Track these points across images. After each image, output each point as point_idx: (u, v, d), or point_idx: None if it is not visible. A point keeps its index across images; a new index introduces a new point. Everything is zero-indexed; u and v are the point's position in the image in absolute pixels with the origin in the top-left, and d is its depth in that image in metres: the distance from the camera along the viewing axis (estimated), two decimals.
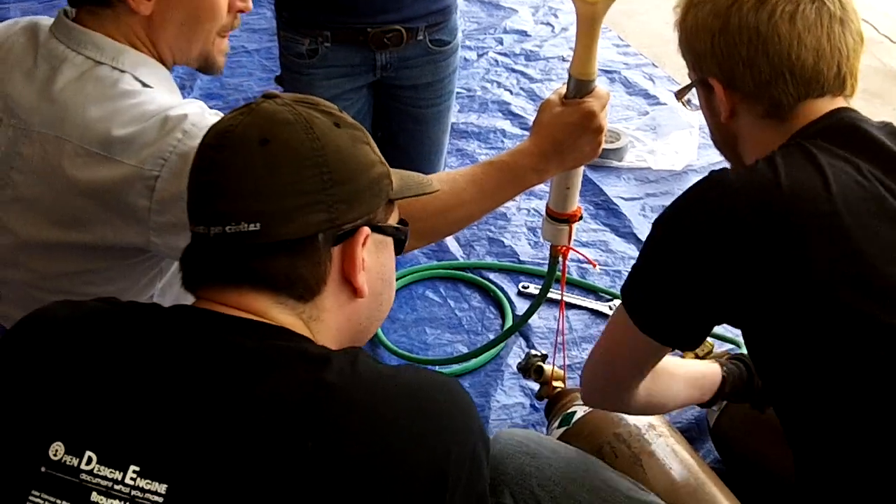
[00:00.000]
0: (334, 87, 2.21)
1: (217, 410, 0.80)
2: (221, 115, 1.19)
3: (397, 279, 2.13)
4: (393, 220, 0.98)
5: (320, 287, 0.89)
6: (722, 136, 1.25)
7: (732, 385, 1.44)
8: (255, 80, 3.12)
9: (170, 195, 1.14)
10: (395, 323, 2.09)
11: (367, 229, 0.91)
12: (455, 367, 1.94)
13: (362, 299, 0.93)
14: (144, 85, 1.22)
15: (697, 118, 2.84)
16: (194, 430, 0.79)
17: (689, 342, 1.15)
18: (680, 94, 1.27)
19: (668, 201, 2.49)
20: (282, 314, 0.88)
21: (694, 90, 1.25)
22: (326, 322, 0.91)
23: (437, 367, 1.95)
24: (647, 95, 3.07)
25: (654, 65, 3.26)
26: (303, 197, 0.87)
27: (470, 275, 2.23)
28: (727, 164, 2.77)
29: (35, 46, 1.25)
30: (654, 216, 2.42)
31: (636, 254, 2.30)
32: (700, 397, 1.41)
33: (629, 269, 2.32)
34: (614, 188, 2.58)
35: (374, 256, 0.94)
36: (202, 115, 1.18)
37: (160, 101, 1.18)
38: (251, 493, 0.76)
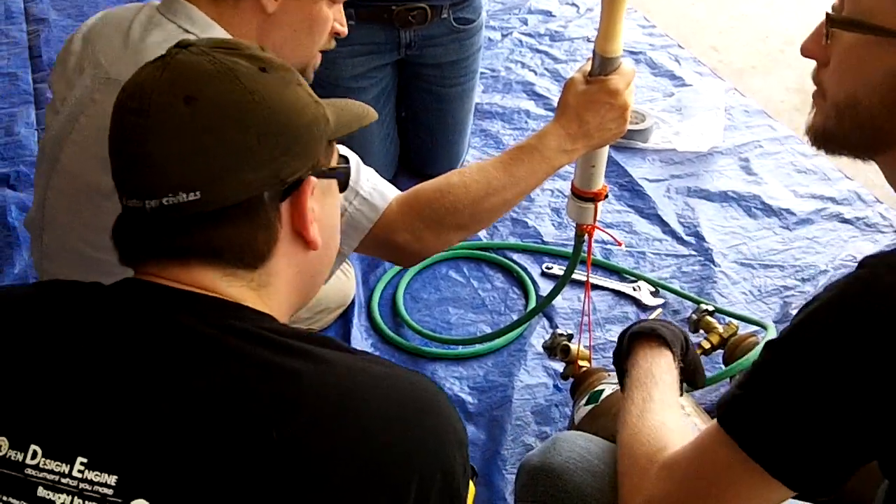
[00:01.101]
0: (358, 66, 2.21)
1: (170, 397, 0.74)
2: None
3: None
4: (333, 161, 0.92)
5: (271, 249, 0.84)
6: (878, 119, 0.91)
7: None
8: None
9: None
10: (419, 303, 2.10)
11: (313, 178, 0.86)
12: (478, 347, 1.95)
13: (314, 251, 0.88)
14: None
15: (723, 100, 2.82)
16: (146, 418, 0.73)
17: (831, 490, 0.88)
18: (837, 24, 0.91)
19: (693, 183, 2.53)
20: (231, 287, 0.83)
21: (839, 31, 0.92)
22: (276, 285, 0.86)
23: (460, 347, 1.96)
24: (672, 77, 3.04)
25: (679, 46, 3.23)
26: (240, 156, 0.80)
27: (493, 255, 2.23)
28: (754, 146, 2.74)
29: (136, 15, 1.30)
30: (679, 198, 2.44)
31: (660, 235, 2.33)
32: None
33: (653, 251, 2.32)
34: (639, 169, 2.56)
35: (321, 203, 0.89)
36: None
37: None
38: (209, 484, 0.71)
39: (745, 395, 0.89)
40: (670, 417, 1.09)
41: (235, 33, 1.29)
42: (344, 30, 1.42)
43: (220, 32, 1.26)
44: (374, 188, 1.23)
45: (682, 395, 1.24)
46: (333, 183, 0.92)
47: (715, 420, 0.91)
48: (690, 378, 1.31)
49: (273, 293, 0.86)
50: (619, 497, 1.02)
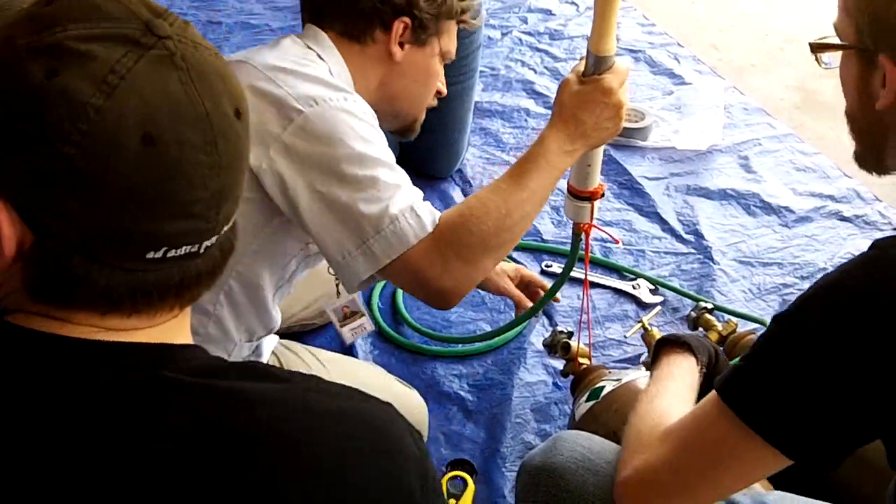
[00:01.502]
0: None
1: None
2: (374, 126, 1.27)
3: None
4: None
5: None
6: (868, 120, 0.98)
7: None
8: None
9: (303, 134, 1.20)
10: (418, 301, 2.09)
11: None
12: (478, 345, 1.95)
13: None
14: (330, 72, 1.31)
15: (722, 98, 2.82)
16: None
17: (831, 462, 0.90)
18: (819, 48, 1.00)
19: (692, 181, 2.53)
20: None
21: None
22: None
23: (460, 345, 1.96)
24: (672, 75, 3.05)
25: (679, 44, 3.24)
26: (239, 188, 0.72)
27: None
28: (753, 144, 2.75)
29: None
30: (678, 196, 2.45)
31: (659, 233, 2.33)
32: None
33: (653, 249, 2.33)
34: (638, 168, 2.57)
35: None
36: (366, 106, 1.28)
37: (332, 81, 1.28)
38: None
39: (748, 367, 0.91)
40: (678, 407, 1.10)
41: (359, 75, 1.37)
42: (444, 90, 1.51)
43: (340, 60, 1.35)
44: (425, 208, 1.22)
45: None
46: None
47: (714, 391, 0.93)
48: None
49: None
50: (618, 464, 1.04)
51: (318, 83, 1.25)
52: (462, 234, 1.21)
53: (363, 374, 1.65)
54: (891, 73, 0.90)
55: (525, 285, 1.87)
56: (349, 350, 1.92)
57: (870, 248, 0.87)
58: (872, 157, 1.02)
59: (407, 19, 1.37)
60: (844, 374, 0.84)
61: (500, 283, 1.82)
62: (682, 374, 1.24)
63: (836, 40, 0.97)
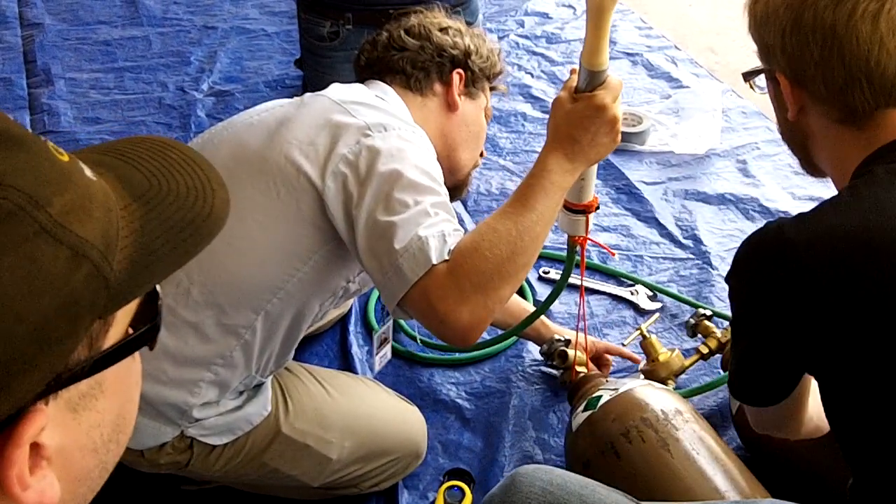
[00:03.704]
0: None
1: None
2: (433, 159, 1.34)
3: None
4: (120, 327, 0.54)
5: None
6: (789, 131, 1.16)
7: None
8: (274, 64, 3.12)
9: (365, 159, 1.26)
10: None
11: (41, 408, 0.49)
12: (475, 353, 1.94)
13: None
14: (393, 116, 1.38)
15: (720, 101, 2.81)
16: None
17: (776, 398, 1.11)
18: (747, 77, 1.19)
19: (690, 186, 2.52)
20: None
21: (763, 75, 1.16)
22: None
23: (457, 353, 1.95)
24: (669, 78, 3.03)
25: (676, 47, 3.23)
26: None
27: None
28: (751, 148, 2.73)
29: None
30: (676, 201, 2.43)
31: (658, 238, 2.32)
32: None
33: (651, 255, 2.31)
34: (636, 172, 2.55)
35: (71, 425, 0.52)
36: (428, 142, 1.37)
37: (393, 121, 1.35)
38: None
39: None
40: None
41: (422, 125, 1.42)
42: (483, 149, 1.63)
43: (404, 107, 1.46)
44: (451, 232, 1.21)
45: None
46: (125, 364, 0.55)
47: None
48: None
49: None
50: None
51: (389, 115, 1.35)
52: (477, 261, 1.18)
53: (364, 395, 1.63)
54: (785, 88, 1.06)
55: (597, 358, 1.86)
56: (346, 357, 1.91)
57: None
58: (807, 163, 1.17)
59: (462, 71, 1.54)
60: (763, 324, 1.03)
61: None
62: None
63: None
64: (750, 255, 1.04)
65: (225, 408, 1.41)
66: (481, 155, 1.62)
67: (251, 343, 1.36)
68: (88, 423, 0.53)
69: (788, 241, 0.99)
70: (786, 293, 0.98)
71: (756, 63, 1.16)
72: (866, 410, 1.00)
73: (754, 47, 1.14)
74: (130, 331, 0.54)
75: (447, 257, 1.19)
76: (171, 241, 0.54)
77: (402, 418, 1.62)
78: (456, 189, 1.58)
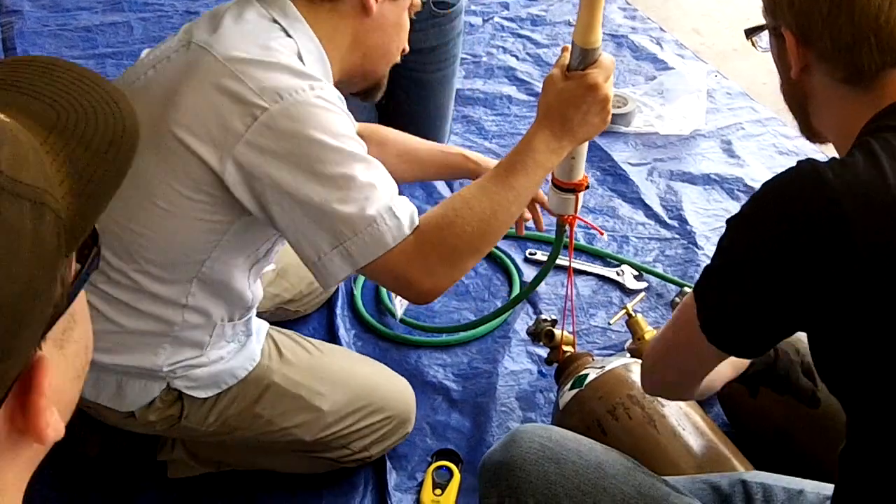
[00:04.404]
0: None
1: None
2: (345, 116, 1.23)
3: None
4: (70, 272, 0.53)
5: None
6: (791, 91, 1.12)
7: (758, 366, 1.35)
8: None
9: (267, 132, 1.17)
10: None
11: (41, 354, 0.51)
12: (462, 335, 1.94)
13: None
14: (299, 57, 1.26)
15: (705, 82, 2.81)
16: None
17: (753, 352, 1.06)
18: (750, 33, 1.15)
19: (675, 166, 2.52)
20: None
21: (766, 32, 1.12)
22: None
23: (444, 335, 1.95)
24: (654, 60, 3.03)
25: (661, 29, 3.22)
26: None
27: None
28: (736, 129, 2.74)
29: (230, 7, 1.32)
30: (662, 181, 2.44)
31: (643, 219, 2.32)
32: (734, 376, 1.32)
33: (637, 235, 2.32)
34: (622, 153, 2.56)
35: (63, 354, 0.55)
36: (334, 92, 1.24)
37: (300, 66, 1.23)
38: None
39: (708, 266, 1.02)
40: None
41: (327, 35, 1.31)
42: (407, 47, 1.46)
43: (307, 32, 1.29)
44: (406, 210, 1.20)
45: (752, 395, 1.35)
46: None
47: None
48: (776, 387, 1.33)
49: None
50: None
51: (284, 72, 1.21)
52: (446, 237, 1.20)
53: (354, 361, 1.66)
54: (791, 44, 1.02)
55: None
56: (334, 340, 1.91)
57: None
58: (804, 126, 1.13)
59: None
60: (759, 267, 0.95)
61: None
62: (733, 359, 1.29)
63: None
64: (778, 196, 0.95)
65: (209, 358, 1.41)
66: (403, 51, 1.46)
67: (199, 305, 1.35)
68: (73, 354, 0.56)
69: (828, 185, 0.90)
70: (815, 242, 0.90)
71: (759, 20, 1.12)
72: (879, 375, 0.95)
73: (749, 16, 1.11)
74: (77, 261, 0.55)
75: (408, 232, 1.19)
76: (101, 165, 0.54)
77: (391, 381, 1.65)
78: (372, 90, 1.48)
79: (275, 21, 1.28)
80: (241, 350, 1.46)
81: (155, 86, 1.27)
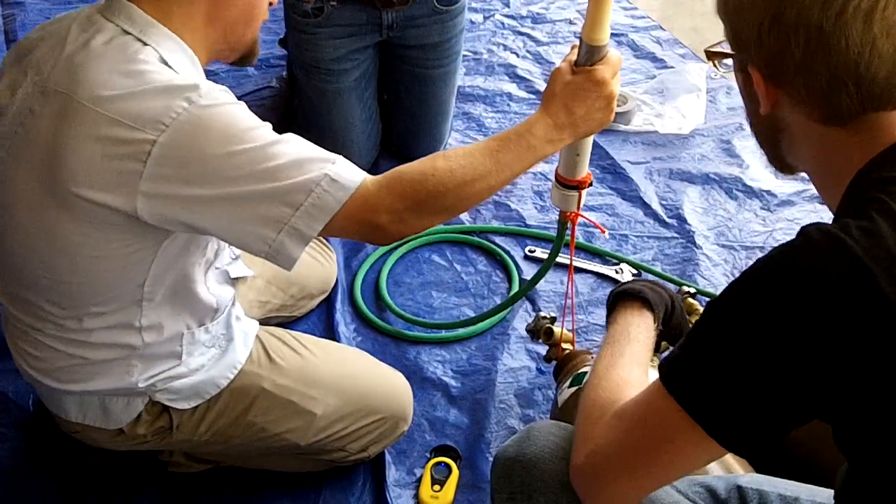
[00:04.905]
0: (340, 47, 2.20)
1: None
2: (237, 106, 1.18)
3: (406, 244, 2.14)
4: None
5: None
6: (760, 125, 1.03)
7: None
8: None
9: (166, 161, 1.13)
10: (402, 286, 2.09)
11: None
12: (461, 331, 1.95)
13: None
14: (164, 62, 1.20)
15: (705, 82, 2.82)
16: None
17: (767, 450, 0.91)
18: (712, 56, 1.05)
19: (674, 165, 2.53)
20: None
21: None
22: None
23: (443, 331, 1.95)
24: (654, 59, 3.04)
25: (661, 27, 3.23)
26: None
27: (476, 239, 2.22)
28: (735, 128, 2.74)
29: (77, 19, 1.25)
30: (661, 180, 2.44)
31: (642, 217, 2.33)
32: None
33: (636, 234, 2.33)
34: (621, 152, 2.56)
35: None
36: (213, 88, 1.18)
37: (170, 75, 1.18)
38: None
39: (685, 355, 0.91)
40: (635, 374, 1.11)
41: (182, 24, 1.24)
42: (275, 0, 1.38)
43: (162, 31, 1.22)
44: (342, 168, 1.19)
45: (657, 354, 1.27)
46: None
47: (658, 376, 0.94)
48: (674, 340, 1.33)
49: None
50: (574, 442, 1.05)
51: (157, 96, 1.14)
52: (420, 191, 1.22)
53: (348, 358, 1.65)
54: (759, 85, 0.94)
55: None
56: (333, 335, 1.91)
57: (797, 235, 0.87)
58: (776, 159, 1.05)
59: None
60: (775, 359, 0.84)
61: None
62: (639, 333, 1.23)
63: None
64: (800, 277, 0.83)
65: (188, 368, 1.40)
66: (271, 4, 1.37)
67: (156, 324, 1.34)
68: None
69: (859, 260, 0.81)
70: (853, 324, 0.80)
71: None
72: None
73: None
74: None
75: (354, 187, 1.18)
76: None
77: (386, 380, 1.64)
78: (247, 57, 1.40)
79: (126, 32, 1.21)
80: (222, 357, 1.45)
81: (31, 149, 1.20)
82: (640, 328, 1.24)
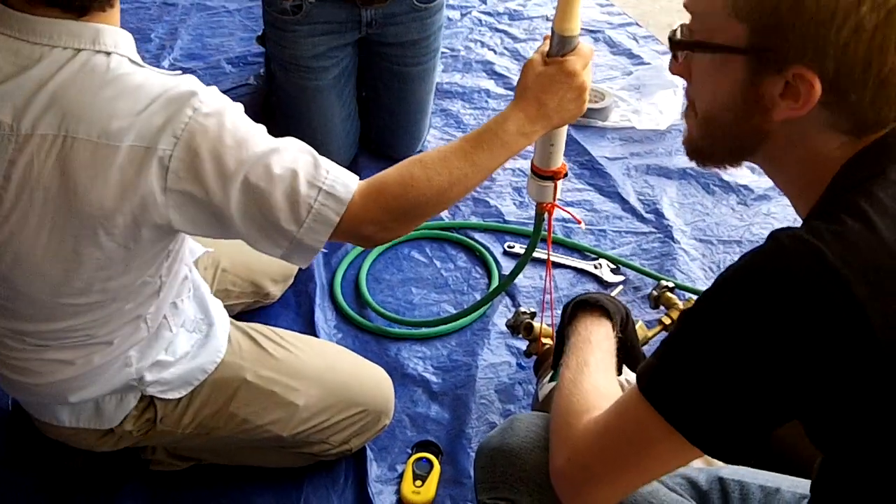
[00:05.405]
0: (319, 45, 2.20)
1: None
2: (216, 88, 1.18)
3: None
4: None
5: None
6: (738, 130, 0.96)
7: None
8: (236, 41, 3.09)
9: (185, 173, 1.13)
10: (381, 283, 2.10)
11: None
12: (442, 328, 1.95)
13: None
14: (132, 62, 1.17)
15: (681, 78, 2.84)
16: None
17: (748, 453, 0.91)
18: (676, 45, 0.99)
19: (652, 161, 2.55)
20: None
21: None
22: None
23: (423, 328, 1.96)
24: (631, 55, 3.06)
25: (637, 24, 3.25)
26: None
27: (456, 235, 2.23)
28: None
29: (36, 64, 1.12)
30: (639, 176, 2.46)
31: (621, 213, 2.35)
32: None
33: (614, 229, 2.34)
34: (599, 148, 2.58)
35: None
36: (206, 90, 1.17)
37: (158, 81, 1.15)
38: None
39: (661, 364, 0.91)
40: (603, 382, 1.12)
41: (117, 17, 1.19)
42: None
43: (107, 30, 1.15)
44: (336, 180, 1.20)
45: (619, 373, 1.27)
46: None
47: (636, 384, 0.94)
48: (627, 352, 1.34)
49: None
50: (551, 449, 1.05)
51: (161, 109, 1.12)
52: (402, 204, 1.24)
53: (330, 352, 1.66)
54: (809, 89, 0.86)
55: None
56: (313, 332, 1.91)
57: (767, 239, 0.87)
58: (732, 159, 1.02)
59: None
60: (751, 365, 0.84)
61: None
62: (600, 340, 1.24)
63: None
64: (773, 284, 0.82)
65: (174, 356, 1.41)
66: None
67: (156, 309, 1.35)
68: None
69: (832, 267, 0.80)
70: (828, 330, 0.80)
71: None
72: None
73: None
74: None
75: (348, 198, 1.20)
76: None
77: (367, 373, 1.65)
78: None
79: (97, 52, 1.14)
80: (205, 342, 1.46)
81: (36, 200, 1.14)
82: (601, 336, 1.26)
